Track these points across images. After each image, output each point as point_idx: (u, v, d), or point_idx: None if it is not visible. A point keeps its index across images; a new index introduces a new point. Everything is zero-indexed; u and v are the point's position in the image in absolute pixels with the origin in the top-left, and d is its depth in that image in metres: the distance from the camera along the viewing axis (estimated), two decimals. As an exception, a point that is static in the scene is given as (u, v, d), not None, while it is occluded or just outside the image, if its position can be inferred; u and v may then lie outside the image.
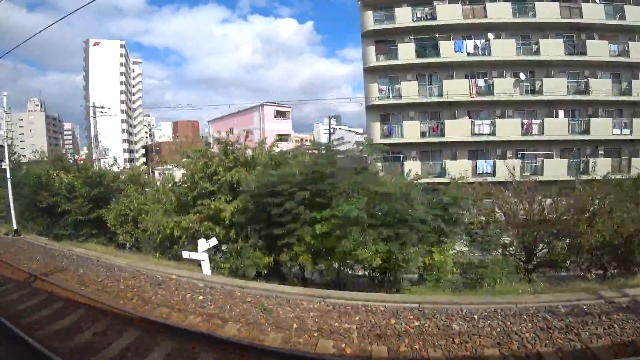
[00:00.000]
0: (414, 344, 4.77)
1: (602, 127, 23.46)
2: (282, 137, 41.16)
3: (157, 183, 17.44)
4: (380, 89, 23.77)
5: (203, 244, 8.39)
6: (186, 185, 11.63)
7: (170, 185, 13.77)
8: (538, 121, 24.05)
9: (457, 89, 23.50)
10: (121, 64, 70.06)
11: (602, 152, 23.94)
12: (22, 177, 18.78)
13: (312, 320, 5.59)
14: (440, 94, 24.01)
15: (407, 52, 23.49)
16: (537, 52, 23.96)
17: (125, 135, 68.05)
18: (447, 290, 7.56)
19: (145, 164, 67.42)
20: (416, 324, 5.28)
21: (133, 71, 77.56)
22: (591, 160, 22.12)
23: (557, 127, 23.95)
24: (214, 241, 8.86)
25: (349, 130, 66.67)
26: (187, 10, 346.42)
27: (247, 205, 9.66)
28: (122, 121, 68.73)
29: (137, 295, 6.93)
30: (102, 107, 25.68)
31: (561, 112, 24.43)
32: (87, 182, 15.86)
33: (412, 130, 23.57)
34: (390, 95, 23.98)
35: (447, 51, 23.48)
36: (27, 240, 13.68)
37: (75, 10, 7.79)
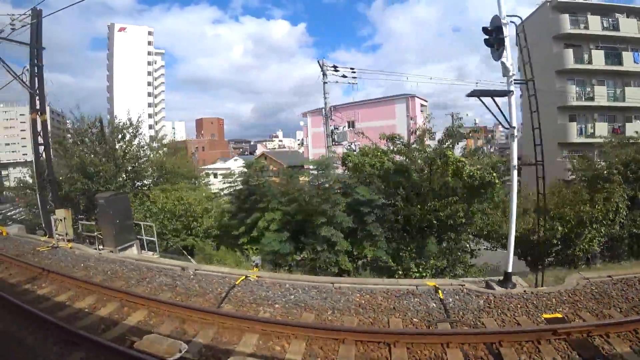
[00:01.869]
0: None
1: None
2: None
3: None
4: (577, 91, 24.96)
5: None
6: None
7: None
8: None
9: (634, 96, 25.69)
10: (149, 53, 62.96)
11: None
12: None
13: None
14: (616, 99, 26.07)
15: (597, 59, 25.16)
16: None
17: (152, 132, 60.61)
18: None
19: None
20: None
21: (155, 62, 69.78)
22: None
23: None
24: None
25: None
26: (179, 10, 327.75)
27: None
28: (149, 116, 61.49)
29: None
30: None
31: None
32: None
33: (601, 131, 24.99)
34: (583, 98, 25.31)
35: (627, 61, 25.67)
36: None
37: (64, 8, 7.40)
